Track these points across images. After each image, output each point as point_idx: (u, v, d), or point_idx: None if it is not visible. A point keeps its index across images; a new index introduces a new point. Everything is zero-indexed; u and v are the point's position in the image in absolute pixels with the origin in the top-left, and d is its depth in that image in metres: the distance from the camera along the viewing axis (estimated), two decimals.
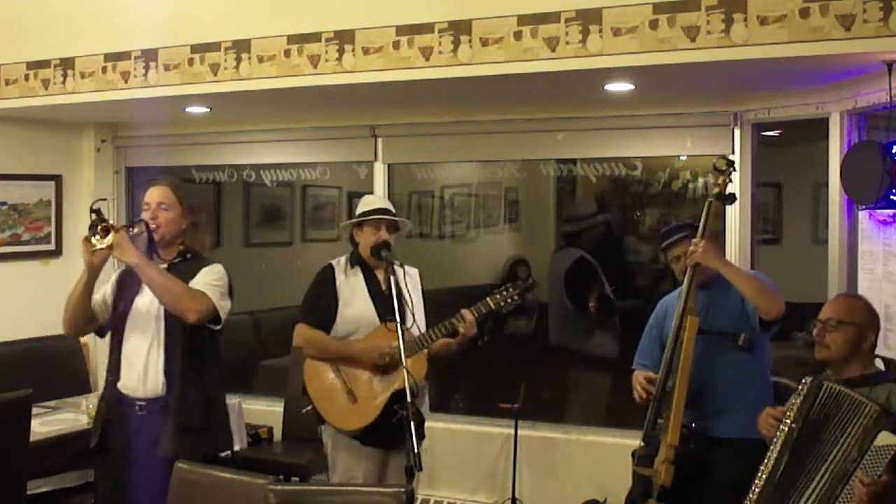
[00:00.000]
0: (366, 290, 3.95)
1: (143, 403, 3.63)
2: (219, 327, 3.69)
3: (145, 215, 3.71)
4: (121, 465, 3.62)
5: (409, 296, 3.71)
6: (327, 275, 4.00)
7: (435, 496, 5.32)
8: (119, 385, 3.66)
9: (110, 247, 3.50)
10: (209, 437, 3.72)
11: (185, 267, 3.69)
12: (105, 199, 3.66)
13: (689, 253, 3.62)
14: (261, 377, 6.23)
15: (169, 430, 3.58)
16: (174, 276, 3.60)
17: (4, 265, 5.83)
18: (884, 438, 2.88)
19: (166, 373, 3.61)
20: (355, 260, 4.01)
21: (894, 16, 3.33)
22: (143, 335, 3.64)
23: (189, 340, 3.63)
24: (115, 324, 3.73)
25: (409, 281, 3.91)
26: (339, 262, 4.03)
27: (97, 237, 3.52)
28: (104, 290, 3.80)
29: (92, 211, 3.57)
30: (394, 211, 4.02)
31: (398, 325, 3.49)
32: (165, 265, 3.69)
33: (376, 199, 4.07)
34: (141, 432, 3.61)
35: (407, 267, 4.03)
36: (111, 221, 3.58)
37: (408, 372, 3.39)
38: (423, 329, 3.86)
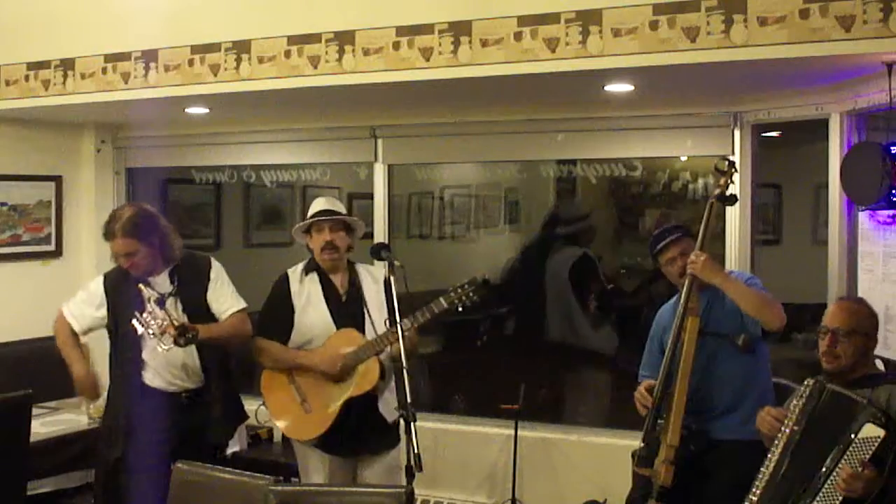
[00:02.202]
0: (321, 297, 3.95)
1: (186, 393, 3.89)
2: None
3: (122, 264, 3.82)
4: (154, 454, 3.74)
5: (365, 297, 3.87)
6: (282, 286, 4.01)
7: (435, 496, 5.32)
8: (148, 381, 3.85)
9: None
10: (235, 426, 4.21)
11: (185, 274, 3.86)
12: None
13: (690, 263, 3.62)
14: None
15: (214, 420, 3.90)
16: (228, 322, 3.88)
17: (4, 266, 5.83)
18: (868, 431, 2.89)
19: (204, 369, 3.91)
20: (311, 266, 4.01)
21: (894, 16, 3.32)
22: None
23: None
24: (125, 329, 3.81)
25: (372, 280, 3.98)
26: (296, 271, 4.04)
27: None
28: (90, 314, 3.97)
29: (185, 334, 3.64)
30: (339, 211, 4.01)
31: (398, 326, 3.48)
32: (168, 278, 3.85)
33: (322, 201, 4.02)
34: (181, 419, 3.83)
35: (370, 267, 4.05)
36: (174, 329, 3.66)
37: (407, 372, 3.38)
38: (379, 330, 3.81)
